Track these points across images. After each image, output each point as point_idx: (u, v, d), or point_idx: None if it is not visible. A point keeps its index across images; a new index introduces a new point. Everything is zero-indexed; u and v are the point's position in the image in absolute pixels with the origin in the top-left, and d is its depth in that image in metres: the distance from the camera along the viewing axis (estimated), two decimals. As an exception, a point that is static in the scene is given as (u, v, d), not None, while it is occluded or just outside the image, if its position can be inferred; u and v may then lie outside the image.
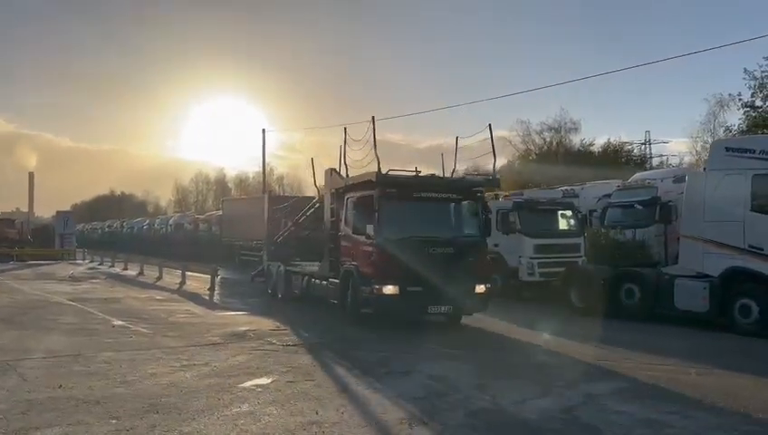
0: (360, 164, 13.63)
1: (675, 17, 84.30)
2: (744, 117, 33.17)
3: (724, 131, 38.62)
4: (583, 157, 46.64)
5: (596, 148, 50.56)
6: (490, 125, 13.80)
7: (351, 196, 13.40)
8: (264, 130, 42.35)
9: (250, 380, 7.91)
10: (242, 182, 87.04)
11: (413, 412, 6.52)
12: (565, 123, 51.67)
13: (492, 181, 14.51)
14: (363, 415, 6.40)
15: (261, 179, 45.97)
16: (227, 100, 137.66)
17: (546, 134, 52.96)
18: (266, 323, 13.05)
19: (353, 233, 13.02)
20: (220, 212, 38.99)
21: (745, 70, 31.84)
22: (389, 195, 12.25)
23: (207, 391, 7.32)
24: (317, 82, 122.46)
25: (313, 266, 16.24)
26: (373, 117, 12.83)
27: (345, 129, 14.09)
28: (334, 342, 11.12)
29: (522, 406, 6.96)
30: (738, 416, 6.54)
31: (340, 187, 14.12)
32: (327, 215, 14.86)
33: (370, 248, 12.27)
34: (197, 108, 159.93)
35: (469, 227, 13.17)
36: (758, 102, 32.29)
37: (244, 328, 12.31)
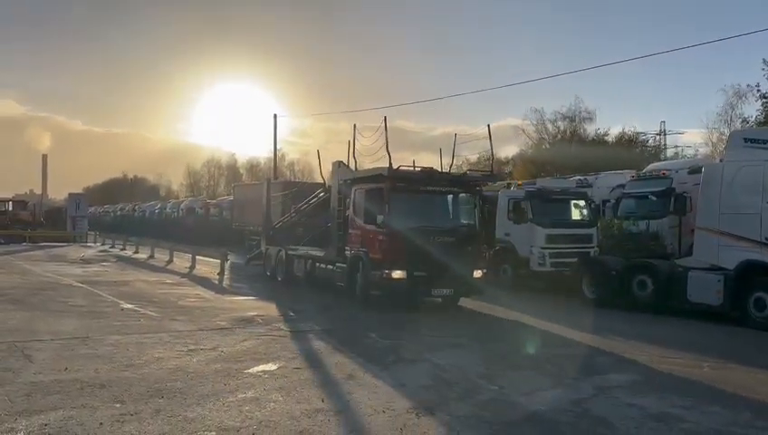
0: (370, 151, 14.43)
1: (693, 6, 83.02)
2: (761, 108, 32.60)
3: (742, 123, 38.05)
4: (597, 146, 46.16)
5: (610, 138, 50.05)
6: (489, 126, 14.82)
7: (361, 187, 14.32)
8: (275, 116, 42.25)
9: (257, 365, 7.85)
10: (253, 168, 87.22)
11: (420, 402, 6.42)
12: (580, 112, 51.16)
13: (489, 177, 15.62)
14: (369, 403, 6.31)
15: (272, 165, 45.80)
16: (239, 85, 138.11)
17: (560, 123, 52.48)
18: (275, 309, 13.02)
19: (363, 222, 13.88)
20: (231, 197, 39.02)
21: (764, 60, 31.24)
22: (399, 188, 13.30)
23: (213, 376, 7.26)
24: (329, 67, 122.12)
25: (316, 251, 16.99)
26: (385, 117, 13.61)
27: (354, 126, 14.89)
28: (342, 329, 11.07)
29: (531, 397, 6.85)
30: (753, 412, 6.39)
31: (348, 178, 14.99)
32: (334, 204, 15.57)
33: (381, 236, 13.19)
34: (209, 93, 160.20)
35: (468, 218, 14.27)
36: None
37: (252, 313, 12.27)
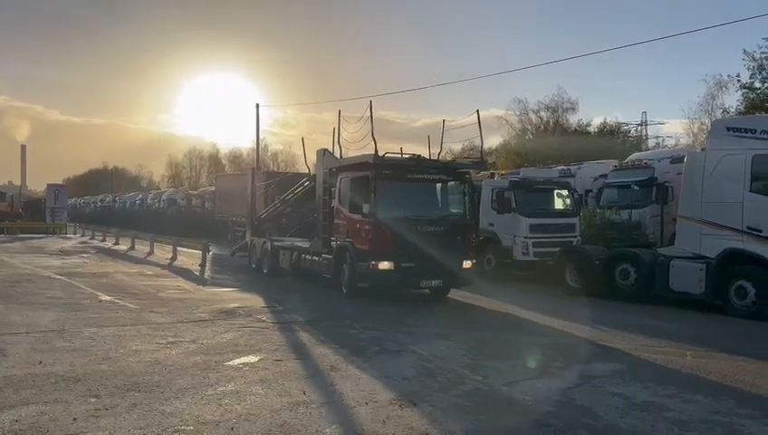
0: (353, 138, 14.04)
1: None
2: (742, 98, 32.90)
3: (722, 113, 38.34)
4: (579, 137, 46.34)
5: (592, 128, 50.27)
6: (478, 111, 14.41)
7: (346, 176, 13.99)
8: (257, 105, 41.84)
9: (237, 358, 7.71)
10: (236, 158, 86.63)
11: (403, 393, 6.33)
12: (562, 103, 51.28)
13: (479, 164, 15.49)
14: (352, 395, 6.20)
15: (255, 156, 45.50)
16: (221, 75, 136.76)
17: (543, 113, 52.59)
18: (257, 300, 12.86)
19: (349, 211, 13.61)
20: (213, 188, 38.68)
21: (745, 51, 31.54)
22: (386, 176, 12.90)
23: (192, 369, 7.11)
24: (312, 57, 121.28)
25: (302, 242, 16.80)
26: (371, 101, 13.28)
27: (339, 111, 14.32)
28: (325, 320, 10.95)
29: (515, 387, 6.79)
30: (736, 399, 6.38)
31: (333, 167, 14.58)
32: (319, 193, 15.24)
33: (367, 226, 12.92)
34: (191, 83, 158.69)
35: (457, 206, 14.04)
36: (757, 84, 32.00)
37: (233, 305, 12.11)
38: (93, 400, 5.87)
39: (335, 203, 14.35)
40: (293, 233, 18.45)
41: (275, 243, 17.67)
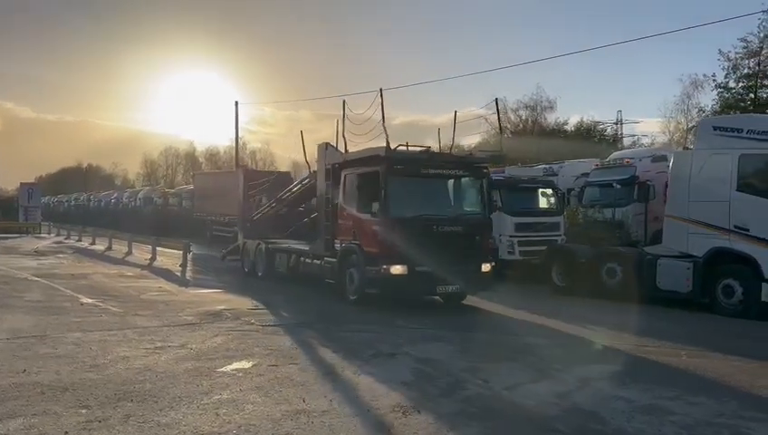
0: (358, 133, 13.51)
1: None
2: (717, 98, 33.46)
3: (698, 112, 38.94)
4: (557, 135, 46.67)
5: (569, 127, 50.69)
6: (496, 100, 13.90)
7: (352, 171, 12.87)
8: (236, 103, 41.25)
9: (230, 363, 7.50)
10: (213, 156, 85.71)
11: (404, 399, 6.19)
12: (541, 102, 51.60)
13: (499, 157, 14.45)
14: (353, 402, 6.05)
15: (233, 154, 44.96)
16: (197, 72, 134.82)
17: (522, 112, 52.88)
18: (243, 302, 12.61)
19: (356, 210, 12.49)
20: (191, 186, 38.14)
21: (720, 51, 32.08)
22: (397, 171, 11.82)
23: (185, 376, 6.89)
24: (291, 55, 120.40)
25: (300, 245, 15.89)
26: (380, 89, 12.54)
27: (344, 102, 13.46)
28: (315, 321, 10.76)
29: (517, 391, 6.69)
30: (738, 401, 6.35)
31: (336, 162, 13.57)
32: (321, 191, 14.21)
33: (377, 227, 11.87)
34: (166, 80, 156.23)
35: (474, 204, 12.98)
36: (731, 84, 32.62)
37: (220, 307, 11.86)
38: (84, 411, 5.62)
39: (339, 201, 13.26)
40: (288, 234, 17.60)
41: (270, 245, 16.72)
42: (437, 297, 12.64)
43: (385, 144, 12.21)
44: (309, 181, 16.33)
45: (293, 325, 10.23)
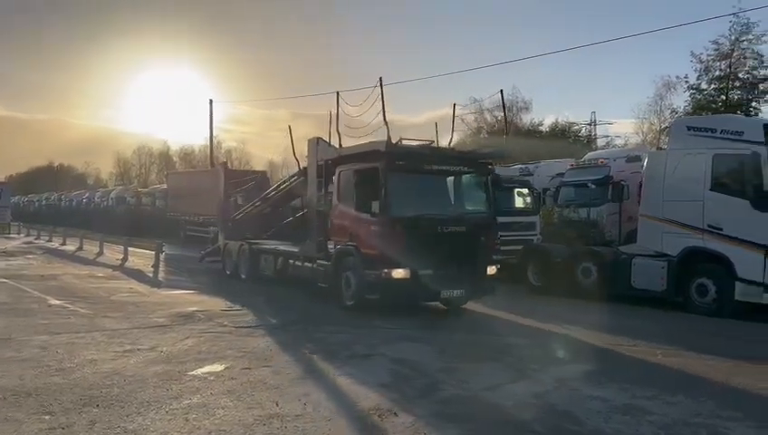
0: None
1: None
2: (689, 99, 33.87)
3: (671, 113, 39.42)
4: (532, 136, 46.98)
5: (544, 127, 51.07)
6: (501, 91, 13.15)
7: (348, 168, 12.13)
8: (211, 101, 40.97)
9: (201, 366, 7.30)
10: (187, 156, 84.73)
11: (381, 401, 6.07)
12: (517, 102, 51.87)
13: (503, 153, 13.99)
14: (328, 406, 5.91)
15: (207, 153, 44.54)
16: (171, 70, 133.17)
17: (498, 112, 53.07)
18: (216, 303, 12.38)
19: (353, 210, 11.70)
20: (164, 186, 37.66)
21: (692, 53, 32.49)
22: (399, 167, 11.07)
23: (154, 379, 6.69)
24: (267, 54, 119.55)
25: (287, 246, 15.12)
26: (380, 78, 11.52)
27: (338, 93, 12.49)
28: (290, 322, 10.57)
29: (494, 392, 6.62)
30: (715, 401, 6.34)
31: (329, 158, 12.78)
32: (312, 189, 13.39)
33: (376, 227, 11.09)
34: (139, 77, 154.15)
35: (479, 203, 12.30)
36: (703, 85, 33.02)
37: (192, 308, 11.61)
38: (47, 417, 5.41)
39: (333, 200, 12.56)
40: (270, 235, 16.99)
41: (255, 246, 16.02)
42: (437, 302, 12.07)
43: (371, 140, 11.67)
44: (297, 179, 15.46)
45: (267, 327, 10.04)
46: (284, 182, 16.82)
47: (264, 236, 16.85)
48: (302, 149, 14.59)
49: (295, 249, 14.29)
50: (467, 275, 11.26)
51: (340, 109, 12.49)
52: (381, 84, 11.42)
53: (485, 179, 12.30)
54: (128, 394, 6.12)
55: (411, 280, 10.79)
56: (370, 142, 11.70)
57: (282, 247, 15.23)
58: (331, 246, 12.56)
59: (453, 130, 13.49)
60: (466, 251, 11.25)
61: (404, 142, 11.74)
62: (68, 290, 13.90)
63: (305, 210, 15.74)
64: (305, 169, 14.17)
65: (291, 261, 14.27)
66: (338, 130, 12.46)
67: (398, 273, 10.76)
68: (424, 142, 12.38)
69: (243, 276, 16.14)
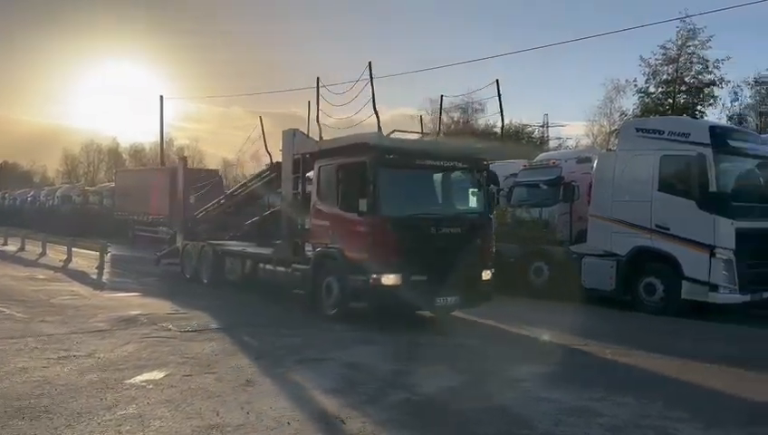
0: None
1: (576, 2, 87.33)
2: (638, 102, 34.68)
3: (620, 116, 40.28)
4: (486, 137, 47.43)
5: (498, 129, 51.57)
6: (497, 81, 12.08)
7: (330, 163, 11.13)
8: (161, 97, 39.90)
9: (139, 374, 6.94)
10: (137, 153, 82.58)
11: (329, 408, 5.87)
12: (472, 103, 52.31)
13: (503, 151, 12.79)
14: (272, 414, 5.64)
15: (158, 151, 43.43)
16: (121, 65, 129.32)
17: (454, 114, 53.45)
18: (162, 306, 11.91)
19: (337, 209, 10.74)
20: (113, 184, 36.61)
21: (641, 57, 33.28)
22: (389, 162, 10.10)
23: (88, 389, 6.31)
24: (221, 50, 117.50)
25: (257, 248, 14.09)
26: (369, 63, 10.44)
27: (318, 79, 11.46)
28: (239, 326, 10.18)
29: (446, 395, 6.49)
30: (664, 401, 6.34)
31: (308, 152, 11.83)
32: (287, 186, 12.38)
33: (364, 228, 10.09)
34: (88, 73, 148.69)
35: (475, 201, 11.44)
36: (651, 89, 33.86)
37: (135, 312, 11.13)
38: (-35, 433, 5.02)
39: (312, 198, 11.53)
40: (233, 236, 16.03)
41: (219, 248, 14.91)
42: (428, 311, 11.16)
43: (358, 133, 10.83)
44: (269, 175, 14.30)
45: (214, 331, 9.68)
46: (254, 178, 15.56)
47: (225, 238, 16.02)
48: (273, 143, 13.90)
49: (266, 251, 13.31)
50: (463, 280, 10.33)
51: (320, 104, 11.61)
52: (371, 69, 10.35)
53: (482, 176, 11.45)
54: (58, 405, 5.74)
55: (403, 287, 9.79)
56: (357, 135, 10.77)
57: (250, 250, 14.17)
58: (308, 248, 11.67)
59: (440, 123, 12.98)
60: (462, 254, 10.36)
61: (394, 135, 10.96)
62: (4, 293, 13.21)
63: (273, 209, 15.20)
64: (278, 163, 13.15)
65: (261, 265, 13.16)
66: (318, 122, 11.55)
67: (389, 279, 9.77)
68: (417, 135, 11.60)
69: (205, 281, 15.06)
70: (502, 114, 11.90)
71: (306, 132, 12.07)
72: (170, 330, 9.61)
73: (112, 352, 8.02)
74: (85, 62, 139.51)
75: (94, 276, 16.93)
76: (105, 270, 17.92)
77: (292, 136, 12.26)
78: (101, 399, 5.99)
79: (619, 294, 12.72)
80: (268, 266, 12.82)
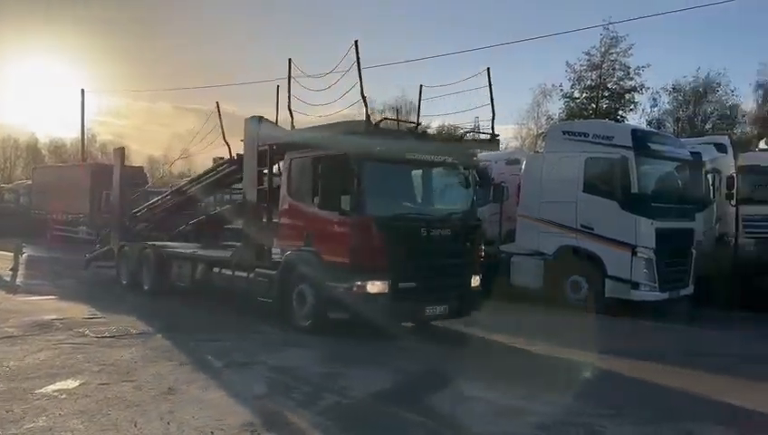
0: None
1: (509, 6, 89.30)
2: (564, 106, 35.82)
3: (547, 120, 41.47)
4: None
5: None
6: (488, 69, 11.00)
7: (306, 155, 10.00)
8: (83, 91, 38.26)
9: (52, 383, 6.48)
10: (58, 149, 78.69)
11: (255, 415, 5.65)
12: (405, 104, 52.60)
13: (493, 143, 11.19)
14: (195, 423, 5.37)
15: (80, 147, 41.52)
16: (40, 57, 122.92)
17: (388, 114, 53.58)
18: (79, 310, 11.25)
19: (315, 207, 9.55)
20: (30, 181, 34.80)
21: (567, 63, 34.42)
22: (377, 155, 9.05)
23: (-7, 400, 5.87)
24: (146, 43, 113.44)
25: (211, 251, 12.92)
26: (356, 42, 9.17)
27: (290, 60, 10.23)
28: (162, 330, 9.70)
29: (375, 398, 6.40)
30: (591, 398, 6.49)
31: (279, 142, 10.66)
32: (250, 181, 11.14)
33: (347, 229, 9.05)
34: (4, 65, 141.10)
35: (463, 201, 10.34)
36: (576, 94, 35.06)
37: (50, 316, 10.48)
38: None
39: (281, 194, 10.44)
40: (173, 237, 14.94)
41: (164, 250, 13.59)
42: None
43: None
44: (227, 168, 12.85)
45: (135, 336, 9.21)
46: (210, 172, 13.91)
47: (165, 238, 14.85)
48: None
49: (222, 254, 12.09)
50: (453, 287, 9.59)
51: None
52: (357, 49, 9.11)
53: (469, 172, 10.42)
54: (-42, 420, 5.30)
55: (391, 295, 8.86)
56: (342, 123, 9.80)
57: (203, 252, 12.87)
58: (276, 251, 10.47)
59: (419, 114, 11.64)
60: (451, 258, 9.54)
61: (383, 124, 10.00)
62: None
63: (222, 208, 14.69)
64: (239, 156, 11.91)
65: (217, 269, 11.78)
66: (289, 109, 10.32)
67: (375, 286, 8.77)
68: (408, 124, 10.35)
69: (146, 287, 13.65)
70: (493, 109, 10.57)
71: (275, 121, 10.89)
72: (87, 336, 9.07)
73: (23, 359, 7.50)
74: (2, 55, 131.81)
75: (8, 278, 15.87)
76: (20, 272, 16.86)
77: (256, 124, 10.97)
78: (8, 411, 5.56)
79: (546, 292, 13.01)
80: (225, 271, 11.52)
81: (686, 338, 10.64)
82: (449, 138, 10.62)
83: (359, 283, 8.77)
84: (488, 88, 10.42)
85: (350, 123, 9.65)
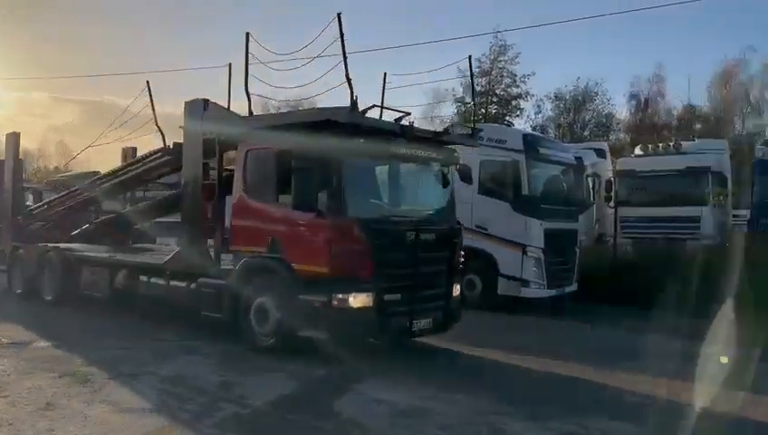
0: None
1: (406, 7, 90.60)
2: (456, 110, 36.87)
3: (440, 123, 42.48)
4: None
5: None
6: (470, 57, 10.72)
7: (270, 147, 8.46)
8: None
9: None
10: None
11: (145, 431, 5.27)
12: (304, 101, 52.09)
13: (474, 137, 10.26)
14: (77, 443, 4.95)
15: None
16: None
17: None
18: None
19: (286, 207, 8.13)
20: None
21: (459, 69, 35.30)
22: (361, 148, 7.89)
23: None
24: (21, 28, 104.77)
25: (130, 255, 11.72)
26: (339, 13, 7.76)
27: (248, 34, 8.52)
28: (45, 338, 8.91)
29: (275, 404, 6.18)
30: (491, 396, 6.59)
31: (233, 131, 9.12)
32: (192, 173, 9.60)
33: (324, 233, 7.80)
34: None
35: (443, 202, 9.49)
36: (468, 99, 36.19)
37: None
38: None
39: (235, 190, 8.95)
40: (74, 237, 13.48)
41: (72, 254, 12.01)
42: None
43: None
44: (160, 158, 11.20)
45: (7, 346, 8.37)
46: (136, 163, 12.09)
47: (63, 239, 13.28)
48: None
49: (151, 260, 10.77)
50: (437, 298, 8.64)
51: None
52: (340, 22, 7.71)
53: (451, 172, 9.48)
54: None
55: (375, 309, 7.73)
56: (320, 109, 8.62)
57: (124, 257, 11.46)
58: (227, 257, 9.07)
59: (383, 101, 9.54)
60: (435, 266, 8.64)
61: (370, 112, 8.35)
62: None
63: (130, 208, 13.43)
64: (177, 144, 10.38)
65: (144, 278, 10.30)
66: (246, 91, 8.57)
67: (358, 299, 7.59)
68: (400, 113, 8.86)
69: (48, 297, 12.03)
70: (474, 99, 9.86)
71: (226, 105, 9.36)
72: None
73: None
74: None
75: None
76: None
77: (200, 109, 9.32)
78: None
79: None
80: (157, 281, 10.01)
81: (580, 334, 11.03)
82: (438, 132, 9.60)
83: (339, 295, 7.56)
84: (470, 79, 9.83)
85: (329, 110, 8.07)
